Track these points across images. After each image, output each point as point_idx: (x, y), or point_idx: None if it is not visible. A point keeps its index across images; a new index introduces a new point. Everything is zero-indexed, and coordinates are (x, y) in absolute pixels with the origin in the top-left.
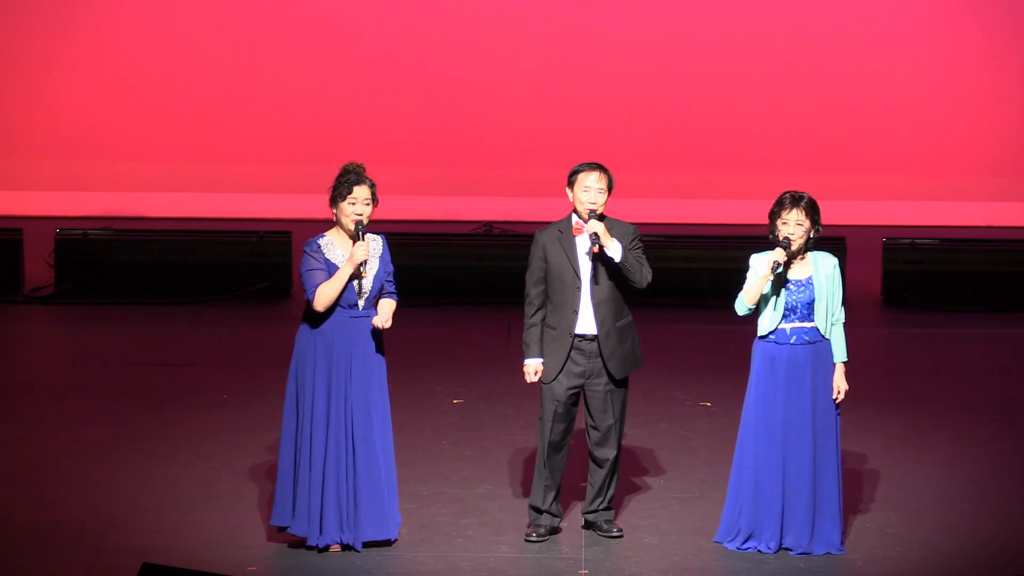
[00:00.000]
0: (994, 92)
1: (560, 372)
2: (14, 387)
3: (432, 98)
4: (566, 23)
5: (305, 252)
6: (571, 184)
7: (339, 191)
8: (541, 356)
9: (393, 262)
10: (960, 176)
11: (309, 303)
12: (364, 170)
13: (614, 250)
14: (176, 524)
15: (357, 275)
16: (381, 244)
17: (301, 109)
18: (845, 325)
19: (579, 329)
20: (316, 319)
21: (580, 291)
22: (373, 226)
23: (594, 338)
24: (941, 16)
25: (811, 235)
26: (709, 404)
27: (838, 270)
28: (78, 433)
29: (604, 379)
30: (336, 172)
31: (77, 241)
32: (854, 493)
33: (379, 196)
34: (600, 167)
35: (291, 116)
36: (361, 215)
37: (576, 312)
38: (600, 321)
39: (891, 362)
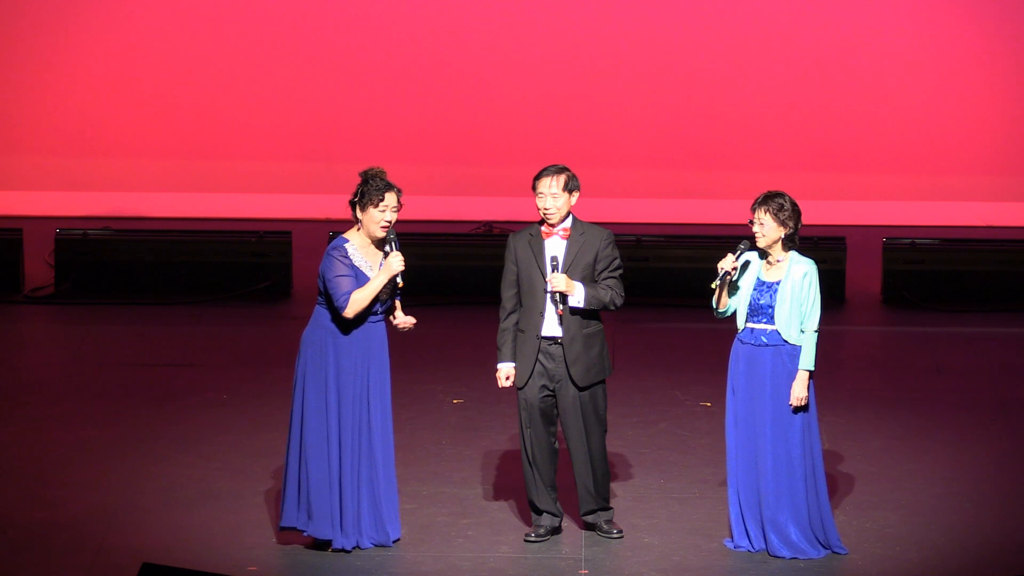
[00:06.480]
0: (994, 92)
1: (530, 376)
2: (14, 387)
3: (432, 97)
4: (567, 22)
5: (332, 256)
6: (533, 189)
7: (369, 197)
8: (513, 360)
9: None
10: (960, 176)
11: (339, 309)
12: (386, 175)
13: (576, 298)
14: (176, 524)
15: (393, 284)
16: None
17: (301, 109)
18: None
19: (545, 331)
20: (338, 323)
21: (547, 294)
22: None
23: (560, 341)
24: (941, 16)
25: (783, 236)
26: (709, 404)
27: (811, 279)
28: (78, 433)
29: (571, 385)
30: (336, 172)
31: (77, 241)
32: (854, 492)
33: None
34: (553, 170)
35: (291, 116)
36: (391, 222)
37: (543, 315)
38: (566, 326)
39: (891, 362)
